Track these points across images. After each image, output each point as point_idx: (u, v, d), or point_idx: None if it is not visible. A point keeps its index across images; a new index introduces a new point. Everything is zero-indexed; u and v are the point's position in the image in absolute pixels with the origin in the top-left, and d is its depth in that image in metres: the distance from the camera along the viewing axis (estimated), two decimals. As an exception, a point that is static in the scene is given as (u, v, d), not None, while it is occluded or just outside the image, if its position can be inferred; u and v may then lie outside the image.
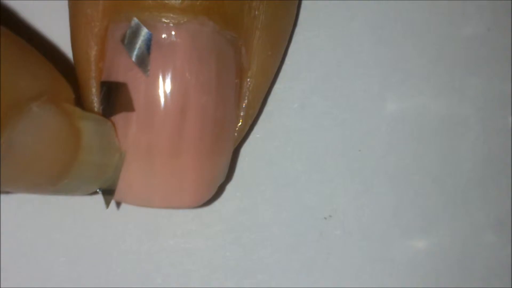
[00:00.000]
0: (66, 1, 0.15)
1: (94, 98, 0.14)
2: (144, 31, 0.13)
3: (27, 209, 0.16)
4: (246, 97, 0.15)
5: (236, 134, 0.15)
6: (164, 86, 0.13)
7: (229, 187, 0.16)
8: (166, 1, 0.13)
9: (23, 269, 0.16)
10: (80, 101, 0.14)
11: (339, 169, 0.17)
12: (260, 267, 0.16)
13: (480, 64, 0.17)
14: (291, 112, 0.17)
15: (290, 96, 0.16)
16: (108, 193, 0.14)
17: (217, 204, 0.16)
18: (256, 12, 0.14)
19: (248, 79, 0.15)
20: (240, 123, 0.15)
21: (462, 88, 0.17)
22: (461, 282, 0.17)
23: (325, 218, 0.17)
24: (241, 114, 0.15)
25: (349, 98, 0.17)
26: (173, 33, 0.13)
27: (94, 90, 0.14)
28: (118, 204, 0.16)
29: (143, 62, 0.13)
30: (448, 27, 0.17)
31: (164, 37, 0.13)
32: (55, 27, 0.16)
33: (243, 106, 0.15)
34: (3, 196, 0.16)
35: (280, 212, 0.16)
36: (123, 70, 0.13)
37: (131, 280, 0.16)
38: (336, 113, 0.17)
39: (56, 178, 0.13)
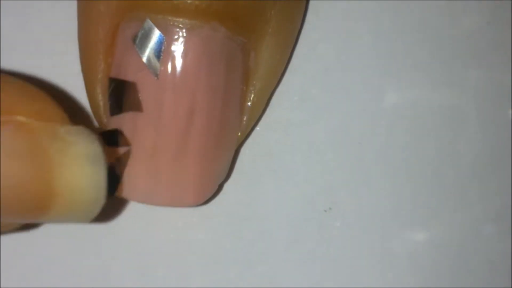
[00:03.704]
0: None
1: (100, 94, 0.14)
2: (157, 33, 0.13)
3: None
4: (250, 99, 0.15)
5: (239, 134, 0.15)
6: (173, 89, 0.13)
7: (230, 180, 0.16)
8: (181, 5, 0.13)
9: (23, 269, 0.16)
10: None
11: (339, 162, 0.17)
12: (261, 259, 0.16)
13: (480, 57, 0.17)
14: (291, 104, 0.17)
15: (290, 89, 0.17)
16: (111, 189, 0.14)
17: (217, 196, 0.16)
18: (268, 17, 0.14)
19: (254, 82, 0.15)
20: (243, 124, 0.15)
21: (461, 81, 0.17)
22: (460, 274, 0.17)
23: (325, 210, 0.17)
24: (245, 115, 0.15)
25: (349, 91, 0.17)
26: (185, 37, 0.13)
27: (100, 86, 0.14)
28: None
29: (154, 64, 0.13)
30: (447, 20, 0.17)
31: (176, 41, 0.13)
32: (57, 22, 0.16)
33: (247, 107, 0.15)
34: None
35: (280, 205, 0.16)
36: (133, 70, 0.14)
37: (131, 272, 0.16)
38: (335, 106, 0.17)
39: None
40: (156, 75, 0.13)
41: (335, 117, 0.17)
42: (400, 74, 0.17)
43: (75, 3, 0.15)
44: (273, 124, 0.16)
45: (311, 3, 0.16)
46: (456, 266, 0.17)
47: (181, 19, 0.13)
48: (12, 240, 0.16)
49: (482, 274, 0.17)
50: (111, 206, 0.16)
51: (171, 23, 0.13)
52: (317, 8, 0.16)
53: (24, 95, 0.12)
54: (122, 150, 0.14)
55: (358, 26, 0.17)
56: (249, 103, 0.15)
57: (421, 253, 0.17)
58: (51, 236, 0.16)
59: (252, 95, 0.15)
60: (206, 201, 0.15)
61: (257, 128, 0.16)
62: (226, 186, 0.16)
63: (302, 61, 0.16)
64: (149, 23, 0.13)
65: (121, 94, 0.14)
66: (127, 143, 0.14)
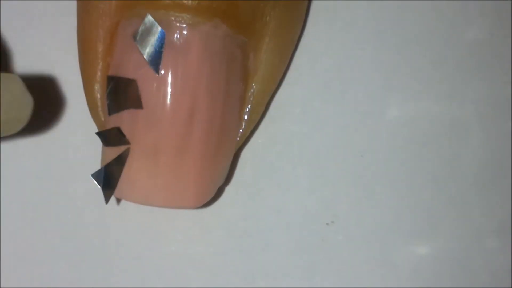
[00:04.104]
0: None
1: (99, 92, 0.14)
2: (158, 29, 0.13)
3: (27, 210, 0.16)
4: (250, 102, 0.15)
5: (238, 138, 0.15)
6: (175, 86, 0.13)
7: (231, 192, 0.16)
8: (183, 1, 0.13)
9: (23, 269, 0.16)
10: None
11: (341, 174, 0.16)
12: (262, 272, 0.16)
13: (482, 69, 0.17)
14: (293, 117, 0.16)
15: (292, 101, 0.16)
16: (109, 189, 0.14)
17: (218, 209, 0.16)
18: (268, 18, 0.14)
19: (253, 84, 0.15)
20: (242, 128, 0.15)
21: (464, 93, 0.17)
22: (462, 287, 0.17)
23: (327, 223, 0.16)
24: (244, 118, 0.15)
25: (351, 103, 0.17)
26: (186, 33, 0.13)
27: (99, 85, 0.14)
28: (118, 201, 0.16)
29: (154, 60, 0.13)
30: (450, 32, 0.17)
31: (177, 37, 0.13)
32: (55, 21, 0.16)
33: (247, 110, 0.15)
34: (3, 196, 0.16)
35: (281, 218, 0.16)
36: (133, 67, 0.13)
37: (132, 285, 0.16)
38: (338, 118, 0.17)
39: None
40: (157, 71, 0.13)
41: (337, 130, 0.17)
42: (402, 87, 0.17)
43: (74, 3, 0.15)
44: (275, 136, 0.16)
45: (313, 15, 0.16)
46: (458, 278, 0.17)
47: (183, 15, 0.13)
48: (12, 240, 0.16)
49: (485, 287, 0.17)
50: (112, 218, 0.16)
51: (173, 18, 0.13)
52: (319, 20, 0.16)
53: None
54: (120, 149, 0.14)
55: (360, 39, 0.17)
56: (248, 106, 0.15)
57: (424, 266, 0.17)
58: (51, 244, 0.16)
59: (252, 98, 0.15)
60: (206, 207, 0.15)
61: (259, 140, 0.16)
62: (227, 198, 0.16)
63: (304, 73, 0.16)
64: (150, 18, 0.13)
65: (120, 92, 0.14)
66: (126, 142, 0.14)
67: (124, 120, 0.14)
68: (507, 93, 0.17)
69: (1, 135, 0.13)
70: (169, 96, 0.13)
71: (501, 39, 0.17)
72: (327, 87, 0.17)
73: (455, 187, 0.17)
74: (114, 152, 0.14)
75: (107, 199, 0.14)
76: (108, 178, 0.14)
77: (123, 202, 0.16)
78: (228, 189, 0.16)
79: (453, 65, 0.17)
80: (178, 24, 0.13)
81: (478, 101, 0.17)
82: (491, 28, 0.17)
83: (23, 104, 0.13)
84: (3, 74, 0.13)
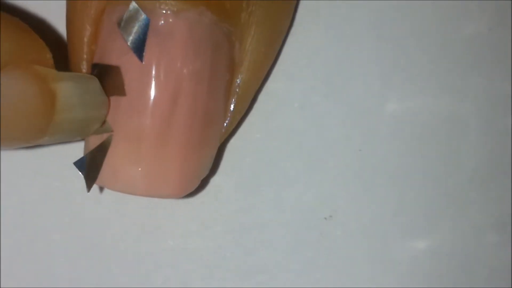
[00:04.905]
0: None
1: None
2: (142, 16, 0.13)
3: (27, 209, 0.16)
4: (236, 93, 0.15)
5: (223, 129, 0.15)
6: (158, 73, 0.13)
7: (229, 187, 0.16)
8: None
9: (23, 269, 0.16)
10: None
11: (340, 169, 0.16)
12: (260, 267, 0.16)
13: (481, 64, 0.17)
14: (292, 111, 0.16)
15: (291, 96, 0.16)
16: (91, 177, 0.14)
17: (217, 204, 0.16)
18: (253, 8, 0.14)
19: (239, 75, 0.15)
20: (228, 118, 0.15)
21: (463, 88, 0.17)
22: (462, 282, 0.17)
23: (326, 218, 0.16)
24: (230, 109, 0.15)
25: (350, 98, 0.17)
26: (171, 20, 0.13)
27: (85, 72, 0.14)
28: (101, 189, 0.16)
29: (138, 47, 0.13)
30: (449, 27, 0.17)
31: (162, 24, 0.13)
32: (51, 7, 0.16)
33: (233, 101, 0.15)
34: (3, 196, 0.16)
35: (280, 213, 0.16)
36: (117, 54, 0.13)
37: (131, 280, 0.16)
38: (336, 113, 0.17)
39: (33, 137, 0.12)
40: (141, 58, 0.13)
41: (336, 124, 0.16)
42: (401, 82, 0.17)
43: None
44: (274, 131, 0.16)
45: (311, 10, 0.16)
46: (457, 274, 0.17)
47: (167, 2, 0.13)
48: (12, 240, 0.16)
49: (484, 282, 0.17)
50: (110, 214, 0.16)
51: (157, 5, 0.13)
52: (318, 15, 0.16)
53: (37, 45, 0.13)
54: (103, 136, 0.14)
55: (359, 34, 0.17)
56: (234, 96, 0.15)
57: (422, 261, 0.17)
58: (50, 241, 0.16)
59: (238, 89, 0.15)
60: (203, 200, 0.15)
61: (257, 135, 0.16)
62: (226, 193, 0.16)
63: (302, 67, 0.16)
64: (134, 5, 0.13)
65: (103, 79, 0.13)
66: (109, 130, 0.14)
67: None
68: (506, 88, 0.17)
69: (84, 136, 0.13)
70: (152, 83, 0.13)
71: (500, 33, 0.17)
72: (326, 82, 0.17)
73: (454, 182, 0.17)
74: (97, 139, 0.14)
75: (89, 187, 0.14)
76: (90, 166, 0.14)
77: (121, 197, 0.16)
78: (227, 184, 0.16)
79: (452, 60, 0.17)
80: (163, 11, 0.13)
81: (477, 96, 0.17)
82: (489, 23, 0.17)
83: (101, 103, 0.13)
84: (85, 75, 0.13)
